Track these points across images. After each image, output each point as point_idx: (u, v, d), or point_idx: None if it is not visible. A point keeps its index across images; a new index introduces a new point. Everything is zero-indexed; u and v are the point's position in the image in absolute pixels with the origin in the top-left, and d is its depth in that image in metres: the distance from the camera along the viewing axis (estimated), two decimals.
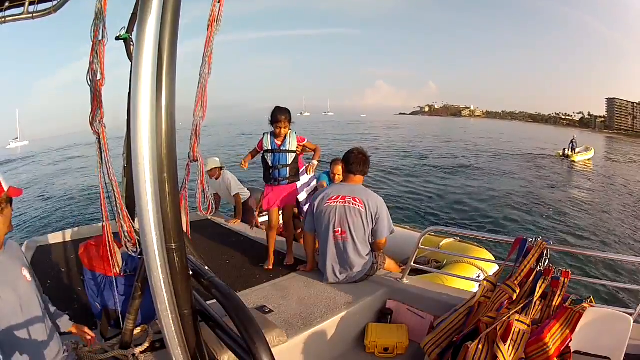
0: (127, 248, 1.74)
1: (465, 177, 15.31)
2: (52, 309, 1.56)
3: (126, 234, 1.67)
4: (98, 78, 1.43)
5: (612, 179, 16.23)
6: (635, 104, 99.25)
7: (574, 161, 19.83)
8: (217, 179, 4.80)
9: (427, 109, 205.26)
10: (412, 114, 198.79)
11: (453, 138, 36.20)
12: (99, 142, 1.52)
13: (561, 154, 21.25)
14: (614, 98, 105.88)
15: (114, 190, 1.56)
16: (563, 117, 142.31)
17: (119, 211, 1.59)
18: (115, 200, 1.58)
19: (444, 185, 13.41)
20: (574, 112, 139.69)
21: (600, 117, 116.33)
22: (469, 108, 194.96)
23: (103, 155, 1.55)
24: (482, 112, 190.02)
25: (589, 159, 20.72)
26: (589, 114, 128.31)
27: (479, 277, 3.58)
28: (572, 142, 21.42)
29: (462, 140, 34.00)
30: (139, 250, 1.81)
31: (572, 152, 20.75)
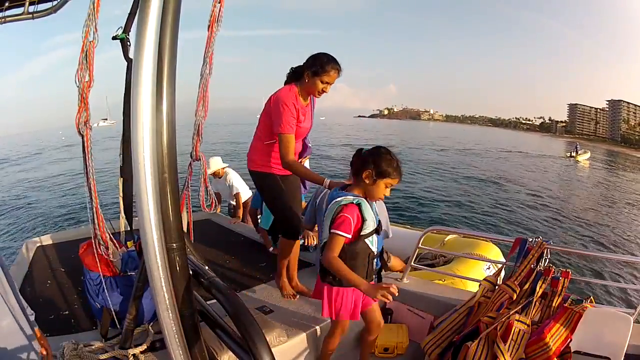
0: (100, 251, 1.73)
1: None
2: None
3: (99, 238, 1.66)
4: (86, 80, 1.43)
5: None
6: (598, 109, 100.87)
7: (577, 160, 27.27)
8: (219, 177, 4.77)
9: (386, 112, 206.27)
10: (371, 116, 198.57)
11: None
12: (83, 145, 1.52)
13: (569, 155, 29.06)
14: (576, 104, 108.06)
15: (91, 194, 1.55)
16: (523, 121, 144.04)
17: (95, 215, 1.58)
18: (92, 204, 1.57)
19: (442, 185, 13.49)
20: (534, 117, 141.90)
21: (562, 122, 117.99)
22: (428, 111, 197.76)
23: (87, 158, 1.54)
24: (442, 115, 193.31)
25: (587, 159, 28.68)
26: (550, 119, 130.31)
27: (489, 269, 3.54)
28: (575, 147, 30.16)
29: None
30: (112, 254, 1.80)
31: (576, 153, 28.40)
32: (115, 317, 1.95)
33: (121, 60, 2.30)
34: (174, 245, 1.08)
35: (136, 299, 1.62)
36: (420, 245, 2.50)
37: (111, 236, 1.76)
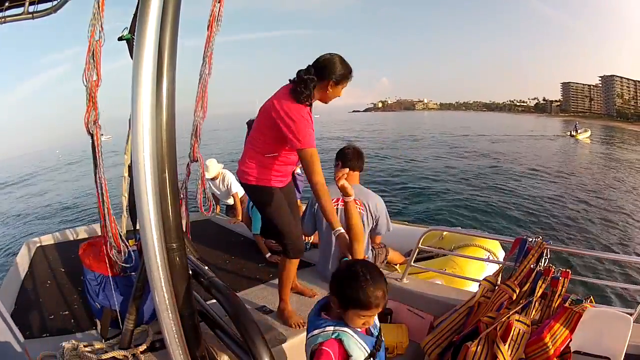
0: (110, 253, 1.72)
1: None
2: None
3: (111, 239, 1.66)
4: (94, 79, 1.43)
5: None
6: (591, 86, 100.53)
7: (578, 139, 29.02)
8: (215, 179, 4.79)
9: (380, 105, 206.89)
10: (366, 110, 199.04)
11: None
12: (93, 144, 1.52)
13: (569, 134, 31.15)
14: (569, 82, 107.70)
15: (102, 194, 1.54)
16: (518, 103, 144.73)
17: (106, 216, 1.58)
18: (104, 204, 1.56)
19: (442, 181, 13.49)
20: (528, 99, 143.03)
21: (556, 101, 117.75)
22: (422, 101, 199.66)
23: (97, 157, 1.54)
24: (436, 104, 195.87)
25: (588, 137, 30.30)
26: (544, 99, 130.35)
27: (488, 258, 3.54)
28: (575, 126, 32.55)
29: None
30: (125, 255, 1.80)
31: (576, 132, 30.44)
32: (115, 317, 1.95)
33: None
34: (174, 245, 1.08)
35: (136, 299, 1.61)
36: (419, 245, 2.50)
37: (122, 238, 1.74)
